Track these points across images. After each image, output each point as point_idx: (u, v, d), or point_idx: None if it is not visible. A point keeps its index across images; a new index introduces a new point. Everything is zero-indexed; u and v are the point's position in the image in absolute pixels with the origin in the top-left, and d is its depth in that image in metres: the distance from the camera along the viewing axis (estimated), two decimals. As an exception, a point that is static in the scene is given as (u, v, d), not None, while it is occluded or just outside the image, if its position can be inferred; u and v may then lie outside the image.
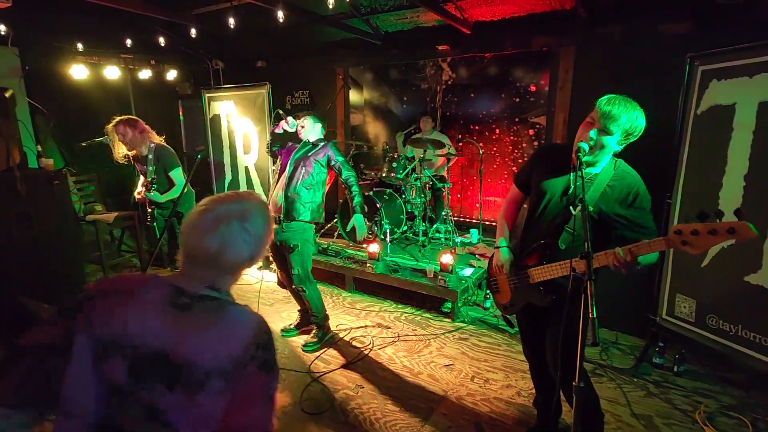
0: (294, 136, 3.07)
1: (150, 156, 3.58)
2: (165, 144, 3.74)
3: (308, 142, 3.01)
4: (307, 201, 2.92)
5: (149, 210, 3.77)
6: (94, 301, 0.92)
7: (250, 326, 0.95)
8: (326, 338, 3.25)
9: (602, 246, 1.55)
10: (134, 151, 3.66)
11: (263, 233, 1.04)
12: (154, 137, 3.66)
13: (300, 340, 3.26)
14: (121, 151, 3.62)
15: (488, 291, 2.14)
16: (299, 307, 3.41)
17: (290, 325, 3.43)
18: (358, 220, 2.98)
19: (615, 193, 1.67)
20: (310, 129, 3.01)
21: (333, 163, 2.98)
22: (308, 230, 2.98)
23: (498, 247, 2.00)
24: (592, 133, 1.60)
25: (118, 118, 3.54)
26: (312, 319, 3.21)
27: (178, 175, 3.63)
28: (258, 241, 1.03)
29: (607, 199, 1.68)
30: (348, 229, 3.04)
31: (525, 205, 2.05)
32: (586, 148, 1.60)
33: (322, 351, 3.13)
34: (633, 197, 1.66)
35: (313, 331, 3.24)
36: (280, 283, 3.35)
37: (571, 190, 1.69)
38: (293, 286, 3.07)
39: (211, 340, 0.90)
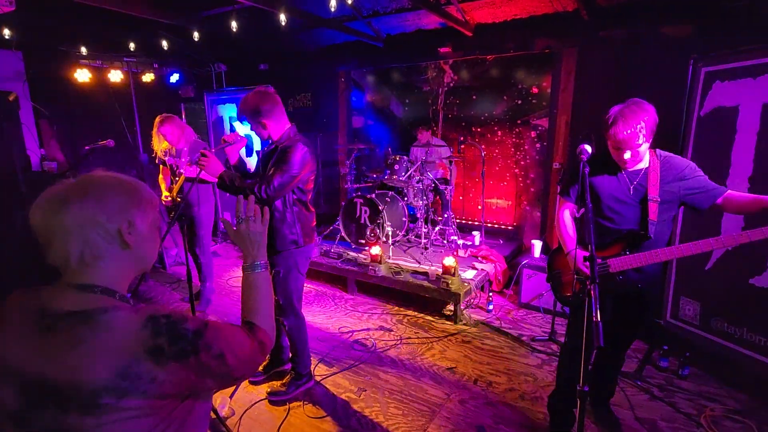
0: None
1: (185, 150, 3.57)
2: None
3: (272, 143, 2.32)
4: (295, 220, 2.34)
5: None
6: None
7: (130, 330, 0.85)
8: (301, 387, 2.61)
9: (670, 228, 1.90)
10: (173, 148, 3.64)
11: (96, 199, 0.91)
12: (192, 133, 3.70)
13: (265, 387, 2.67)
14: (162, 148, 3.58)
15: (553, 287, 2.25)
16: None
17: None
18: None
19: (671, 175, 1.86)
20: (272, 125, 2.28)
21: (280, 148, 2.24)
22: (294, 255, 2.38)
23: (569, 253, 2.04)
24: (627, 156, 1.81)
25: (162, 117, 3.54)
26: (289, 358, 2.65)
27: None
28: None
29: (669, 182, 1.86)
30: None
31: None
32: (590, 149, 1.70)
33: (291, 405, 2.52)
34: (688, 170, 1.87)
35: (288, 376, 2.64)
36: None
37: (632, 187, 1.90)
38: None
39: (83, 357, 0.82)
